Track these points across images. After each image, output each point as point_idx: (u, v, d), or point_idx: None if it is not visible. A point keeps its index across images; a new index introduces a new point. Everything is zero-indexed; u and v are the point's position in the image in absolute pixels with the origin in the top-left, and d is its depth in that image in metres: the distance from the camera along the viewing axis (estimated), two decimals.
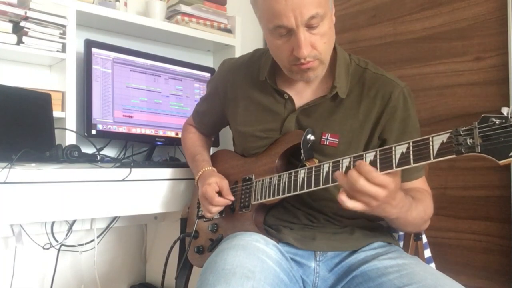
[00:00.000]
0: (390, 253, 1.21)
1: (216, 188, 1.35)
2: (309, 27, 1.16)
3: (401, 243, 1.44)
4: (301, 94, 1.34)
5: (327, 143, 1.27)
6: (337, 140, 1.26)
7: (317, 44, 1.18)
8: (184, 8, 2.30)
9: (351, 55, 1.36)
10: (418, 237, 1.45)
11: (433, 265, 1.50)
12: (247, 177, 1.37)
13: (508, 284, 1.76)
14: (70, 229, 2.01)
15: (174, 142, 2.22)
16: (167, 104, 2.20)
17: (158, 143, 2.16)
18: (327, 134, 1.27)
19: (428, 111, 2.00)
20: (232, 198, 1.36)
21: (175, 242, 1.55)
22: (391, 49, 2.17)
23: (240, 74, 1.45)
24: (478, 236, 1.87)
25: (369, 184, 0.98)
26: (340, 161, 1.10)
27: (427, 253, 1.51)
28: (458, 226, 1.92)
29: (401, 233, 1.47)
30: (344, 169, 1.09)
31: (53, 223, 1.95)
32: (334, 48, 1.32)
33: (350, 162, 1.08)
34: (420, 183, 1.30)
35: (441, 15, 2.00)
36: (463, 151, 0.89)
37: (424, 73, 2.04)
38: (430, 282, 1.04)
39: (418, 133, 1.30)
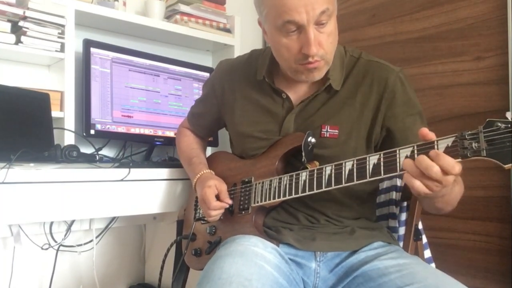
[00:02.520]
0: (390, 253, 1.20)
1: (215, 191, 1.34)
2: (318, 24, 1.16)
3: (401, 243, 1.44)
4: (298, 92, 1.34)
5: (327, 135, 1.27)
6: (337, 131, 1.26)
7: (324, 43, 1.19)
8: (183, 7, 2.29)
9: (346, 47, 1.36)
10: (418, 237, 1.45)
11: (433, 265, 1.50)
12: (246, 179, 1.36)
13: (508, 284, 1.76)
14: (68, 229, 2.00)
15: (173, 142, 2.19)
16: (166, 104, 2.19)
17: (157, 143, 2.15)
18: (326, 126, 1.27)
19: (428, 111, 1.99)
20: (230, 202, 1.34)
21: (171, 245, 1.54)
22: (391, 48, 2.16)
23: (237, 75, 1.45)
24: (478, 237, 1.87)
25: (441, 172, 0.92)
26: (343, 164, 1.10)
27: (427, 253, 1.50)
28: (458, 227, 1.92)
29: (401, 233, 1.46)
30: (347, 171, 1.08)
31: (51, 223, 1.95)
32: None
33: (353, 165, 1.08)
34: None
35: (441, 14, 1.99)
36: (468, 155, 0.89)
37: (424, 73, 2.04)
38: (432, 281, 1.03)
39: (421, 115, 1.29)
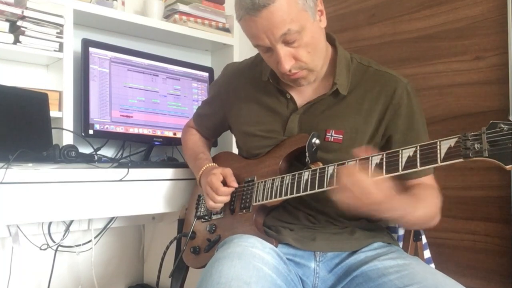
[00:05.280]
0: (390, 253, 1.21)
1: (221, 178, 1.35)
2: (287, 42, 1.18)
3: (401, 244, 1.43)
4: (303, 93, 1.34)
5: (332, 139, 1.27)
6: (341, 136, 1.26)
7: (300, 55, 1.20)
8: (182, 7, 2.29)
9: (352, 54, 1.37)
10: (417, 237, 1.44)
11: (432, 265, 1.50)
12: (249, 179, 1.37)
13: (508, 285, 1.76)
14: (67, 229, 2.00)
15: (172, 142, 2.21)
16: (165, 104, 2.19)
17: (156, 143, 2.15)
18: (331, 131, 1.27)
19: (428, 111, 1.99)
20: (236, 185, 1.35)
21: (171, 242, 1.54)
22: (391, 48, 2.16)
23: (243, 77, 1.46)
24: (477, 237, 1.86)
25: (359, 185, 1.02)
26: (345, 164, 1.10)
27: (427, 253, 1.50)
28: (458, 227, 1.92)
29: (400, 233, 1.46)
30: None
31: (50, 223, 1.94)
32: (335, 46, 1.34)
33: (355, 164, 1.08)
34: (428, 179, 1.29)
35: (440, 14, 1.99)
36: (470, 155, 0.90)
37: (424, 72, 2.03)
38: (431, 282, 1.04)
39: (424, 129, 1.30)
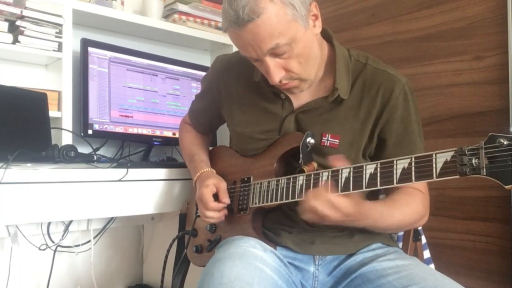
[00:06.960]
0: (389, 254, 1.20)
1: (213, 190, 1.32)
2: (276, 55, 1.14)
3: (400, 244, 1.43)
4: (299, 94, 1.30)
5: (328, 144, 1.24)
6: (337, 141, 1.24)
7: (291, 66, 1.16)
8: (181, 7, 2.29)
9: (350, 50, 1.32)
10: (417, 237, 1.44)
11: (432, 266, 1.50)
12: (246, 178, 1.35)
13: (508, 285, 1.75)
14: (66, 229, 1.99)
15: (171, 142, 2.20)
16: (164, 103, 2.18)
17: (155, 143, 2.14)
18: (327, 135, 1.24)
19: (428, 111, 1.99)
20: (228, 201, 1.32)
21: (174, 240, 1.54)
22: (390, 48, 2.16)
23: (233, 73, 1.42)
24: (477, 237, 1.86)
25: (323, 205, 1.03)
26: (340, 171, 1.07)
27: (427, 254, 1.50)
28: (458, 227, 1.91)
29: (400, 234, 1.46)
30: (343, 179, 1.06)
31: (49, 223, 1.94)
32: (332, 45, 1.29)
33: (349, 173, 1.05)
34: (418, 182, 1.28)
35: (440, 14, 1.99)
36: (467, 172, 0.85)
37: (424, 72, 2.03)
38: (430, 283, 1.03)
39: (420, 132, 1.27)
